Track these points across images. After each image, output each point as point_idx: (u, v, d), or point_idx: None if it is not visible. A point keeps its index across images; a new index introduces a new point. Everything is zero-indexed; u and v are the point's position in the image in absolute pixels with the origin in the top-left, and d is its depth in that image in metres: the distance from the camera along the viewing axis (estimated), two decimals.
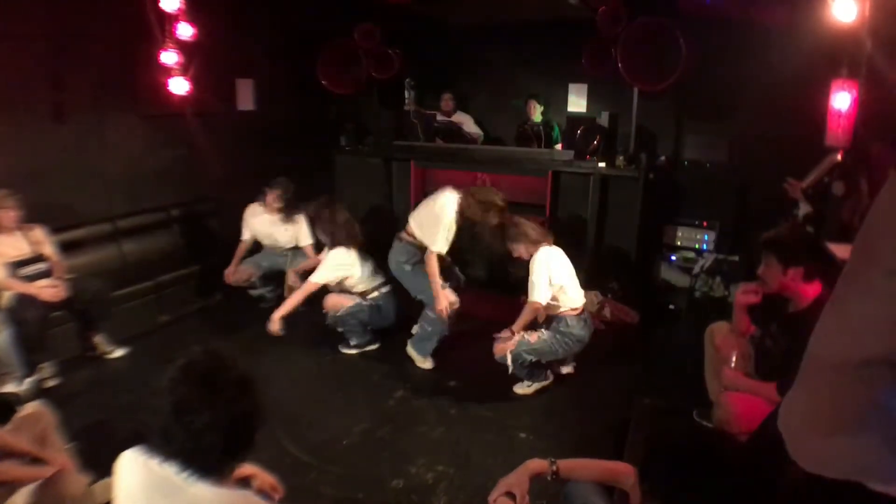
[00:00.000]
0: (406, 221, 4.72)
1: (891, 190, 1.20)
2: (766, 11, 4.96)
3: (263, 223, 5.50)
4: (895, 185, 1.18)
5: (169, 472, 1.51)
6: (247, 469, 1.96)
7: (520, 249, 4.19)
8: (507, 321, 4.55)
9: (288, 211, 5.44)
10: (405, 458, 3.45)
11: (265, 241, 5.59)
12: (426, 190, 5.92)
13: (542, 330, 4.19)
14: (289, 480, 2.13)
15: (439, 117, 6.96)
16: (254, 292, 5.61)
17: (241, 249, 5.53)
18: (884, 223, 1.22)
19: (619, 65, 5.47)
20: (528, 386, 4.26)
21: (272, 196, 5.40)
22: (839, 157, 4.04)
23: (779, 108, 5.22)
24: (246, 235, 5.54)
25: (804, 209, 4.45)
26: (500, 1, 5.96)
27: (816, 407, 1.35)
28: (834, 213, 4.11)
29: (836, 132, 3.96)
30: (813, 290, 2.79)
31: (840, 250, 3.09)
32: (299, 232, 5.50)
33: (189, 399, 1.48)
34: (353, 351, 4.83)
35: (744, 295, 3.15)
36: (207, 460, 1.52)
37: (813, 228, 4.14)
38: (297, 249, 5.57)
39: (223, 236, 5.97)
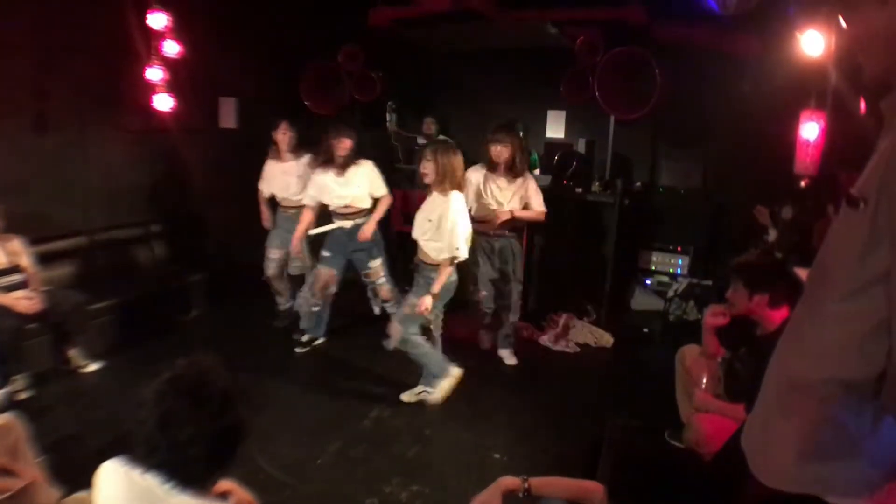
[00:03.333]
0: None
1: (843, 219, 1.27)
2: (738, 44, 5.11)
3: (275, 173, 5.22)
4: (846, 215, 1.25)
5: (151, 482, 1.52)
6: (224, 485, 1.96)
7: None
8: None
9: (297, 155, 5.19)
10: (380, 478, 3.45)
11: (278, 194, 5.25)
12: (406, 212, 5.98)
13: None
14: (263, 498, 2.13)
15: (420, 140, 7.03)
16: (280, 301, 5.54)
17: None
18: (836, 251, 1.28)
19: (597, 93, 5.59)
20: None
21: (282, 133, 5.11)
22: (803, 184, 4.17)
23: (751, 137, 5.36)
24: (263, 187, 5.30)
25: (774, 234, 4.56)
26: (481, 29, 6.06)
27: (775, 424, 1.39)
28: (783, 234, 4.24)
29: (805, 161, 4.08)
30: (780, 315, 2.87)
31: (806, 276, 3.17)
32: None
33: (175, 411, 1.50)
34: None
35: (712, 317, 3.23)
36: (191, 472, 1.53)
37: (782, 254, 4.24)
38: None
39: (201, 253, 5.97)
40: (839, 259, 1.26)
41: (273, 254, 5.29)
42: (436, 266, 4.03)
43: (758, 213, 4.70)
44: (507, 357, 5.07)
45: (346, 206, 4.85)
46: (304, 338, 5.14)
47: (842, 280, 1.23)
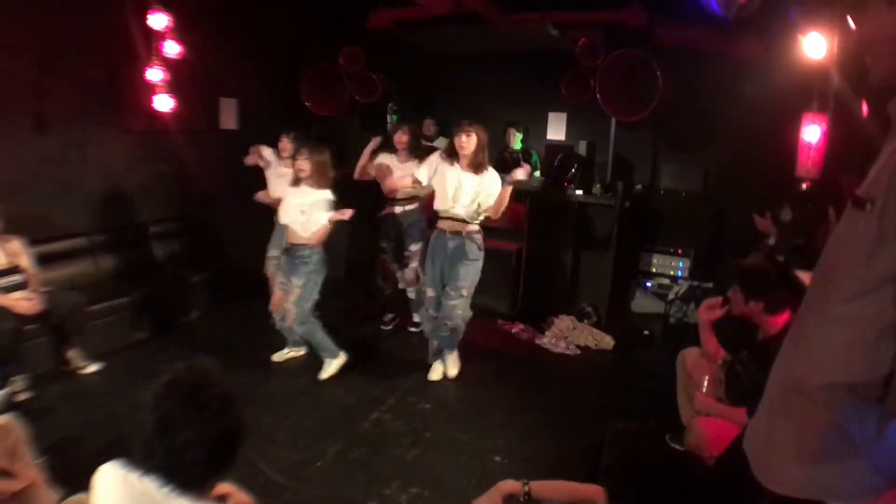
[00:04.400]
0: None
1: (848, 221, 1.26)
2: (740, 46, 5.10)
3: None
4: (852, 217, 1.24)
5: (149, 486, 1.51)
6: (223, 488, 1.95)
7: None
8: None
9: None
10: (379, 481, 3.44)
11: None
12: None
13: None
14: (262, 501, 2.12)
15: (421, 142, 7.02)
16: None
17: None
18: (841, 253, 1.28)
19: (598, 95, 5.58)
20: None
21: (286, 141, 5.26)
22: (804, 186, 4.16)
23: (752, 140, 5.36)
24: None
25: (774, 238, 4.55)
26: (482, 31, 6.05)
27: (779, 429, 1.39)
28: (783, 236, 4.23)
29: (807, 164, 4.07)
30: (781, 318, 2.86)
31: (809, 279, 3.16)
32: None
33: (173, 414, 1.48)
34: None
35: (706, 311, 3.23)
36: (189, 476, 1.52)
37: (783, 257, 4.23)
38: None
39: (202, 253, 5.96)
40: (844, 261, 1.25)
41: (272, 253, 5.33)
42: (306, 245, 4.51)
43: (757, 223, 4.69)
44: (450, 364, 4.79)
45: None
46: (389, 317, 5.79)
47: (847, 282, 1.22)
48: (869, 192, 1.19)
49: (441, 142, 7.10)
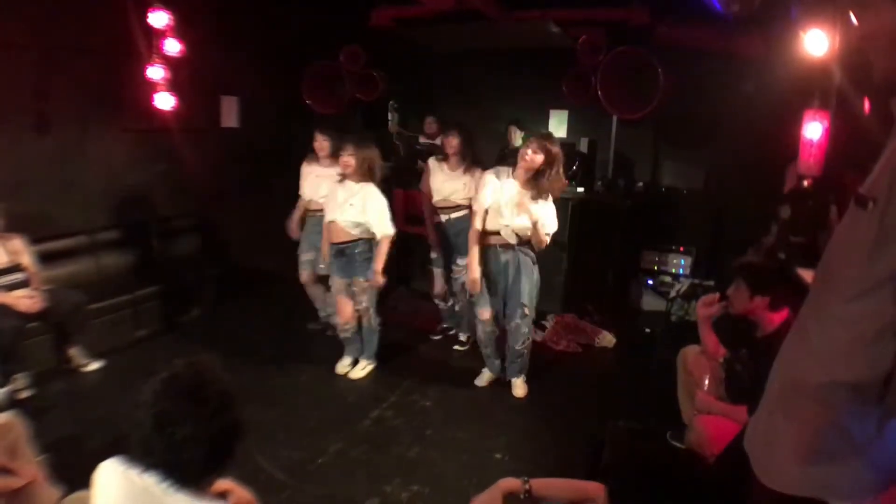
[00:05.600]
0: None
1: (850, 219, 1.25)
2: (741, 44, 5.09)
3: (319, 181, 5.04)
4: (854, 215, 1.24)
5: (149, 482, 1.52)
6: (223, 484, 1.95)
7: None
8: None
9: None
10: (380, 478, 3.44)
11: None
12: (407, 211, 5.98)
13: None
14: (263, 498, 2.12)
15: (422, 140, 7.02)
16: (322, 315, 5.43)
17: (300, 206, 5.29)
18: (843, 251, 1.27)
19: (599, 93, 5.57)
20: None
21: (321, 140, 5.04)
22: (806, 184, 4.14)
23: (753, 138, 5.35)
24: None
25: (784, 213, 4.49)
26: (484, 28, 6.04)
27: (779, 427, 1.39)
28: (781, 234, 4.22)
29: (808, 161, 4.05)
30: (779, 316, 2.86)
31: (811, 277, 3.16)
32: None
33: (172, 411, 1.49)
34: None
35: (704, 308, 3.23)
36: (188, 472, 1.53)
37: (784, 255, 4.22)
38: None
39: (203, 253, 5.96)
40: (846, 260, 1.24)
41: (305, 256, 5.23)
42: (356, 241, 4.42)
43: (789, 172, 4.49)
44: (518, 387, 4.53)
45: (444, 199, 4.99)
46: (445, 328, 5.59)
47: (848, 281, 1.21)
48: (871, 191, 1.19)
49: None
